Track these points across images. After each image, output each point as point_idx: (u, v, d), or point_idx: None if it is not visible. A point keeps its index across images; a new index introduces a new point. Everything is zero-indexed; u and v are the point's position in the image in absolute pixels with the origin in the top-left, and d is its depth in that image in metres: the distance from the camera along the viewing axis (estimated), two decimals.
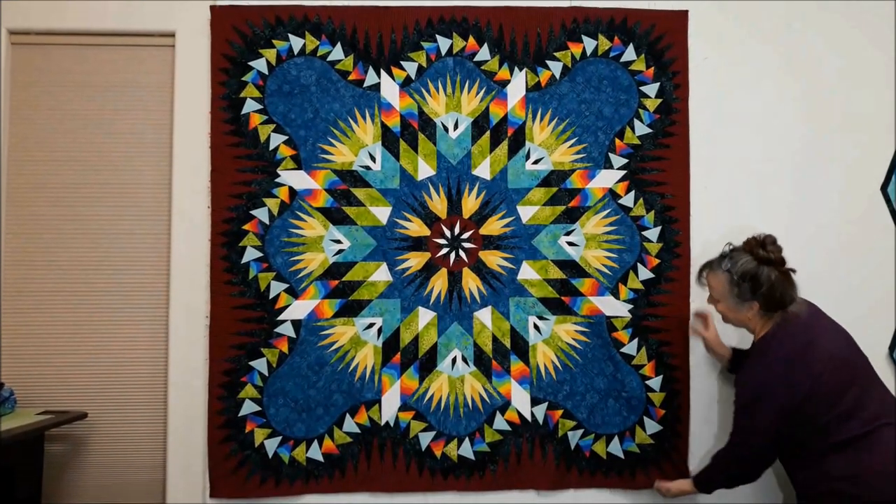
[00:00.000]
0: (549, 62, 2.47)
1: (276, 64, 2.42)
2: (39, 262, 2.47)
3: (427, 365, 2.39)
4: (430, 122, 2.44)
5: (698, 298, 2.41)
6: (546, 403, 2.39)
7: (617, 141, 2.46)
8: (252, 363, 2.35)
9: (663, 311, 2.42)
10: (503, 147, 2.45)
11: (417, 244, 2.42)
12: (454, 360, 2.40)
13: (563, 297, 2.42)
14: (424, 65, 2.45)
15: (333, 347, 2.37)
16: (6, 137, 2.48)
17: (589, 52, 2.48)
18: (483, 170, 2.44)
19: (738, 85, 2.52)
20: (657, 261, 2.44)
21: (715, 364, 2.43)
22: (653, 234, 2.44)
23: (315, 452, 2.34)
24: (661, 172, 2.46)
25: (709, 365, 2.44)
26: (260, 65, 2.42)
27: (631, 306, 2.42)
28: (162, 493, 2.42)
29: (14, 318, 2.46)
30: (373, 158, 2.42)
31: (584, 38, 2.48)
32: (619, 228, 2.44)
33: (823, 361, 1.87)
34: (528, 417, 2.39)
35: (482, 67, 2.46)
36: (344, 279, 2.39)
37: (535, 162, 2.45)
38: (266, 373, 2.35)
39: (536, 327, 2.42)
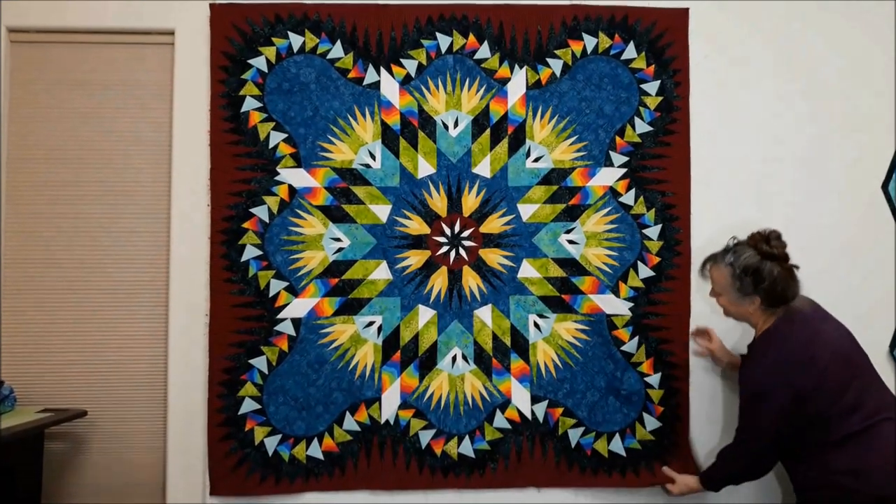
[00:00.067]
0: (549, 60, 2.46)
1: (276, 62, 2.42)
2: (39, 260, 2.47)
3: (427, 363, 2.39)
4: (430, 120, 2.44)
5: (699, 296, 2.42)
6: (546, 401, 2.39)
7: (617, 139, 2.45)
8: (252, 361, 2.35)
9: (664, 309, 2.42)
10: (503, 145, 2.44)
11: (417, 242, 2.42)
12: (454, 359, 2.40)
13: (563, 296, 2.42)
14: (424, 62, 2.45)
15: (333, 345, 2.37)
16: (6, 135, 2.47)
17: (589, 49, 2.47)
18: (483, 168, 2.44)
19: (739, 83, 2.52)
20: (658, 259, 2.44)
21: (713, 363, 2.43)
22: (653, 232, 2.44)
23: (315, 450, 2.34)
24: (661, 170, 2.45)
25: (707, 364, 2.44)
26: (259, 63, 2.41)
27: (631, 304, 2.42)
28: (162, 491, 2.42)
29: (14, 316, 2.46)
30: (373, 156, 2.42)
31: (585, 35, 2.47)
32: (620, 226, 2.44)
33: (827, 356, 1.87)
34: (529, 415, 2.38)
35: (482, 65, 2.46)
36: (344, 277, 2.39)
37: (536, 160, 2.44)
38: (266, 371, 2.35)
39: (537, 325, 2.42)
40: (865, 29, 2.55)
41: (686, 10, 2.50)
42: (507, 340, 2.41)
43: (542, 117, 2.45)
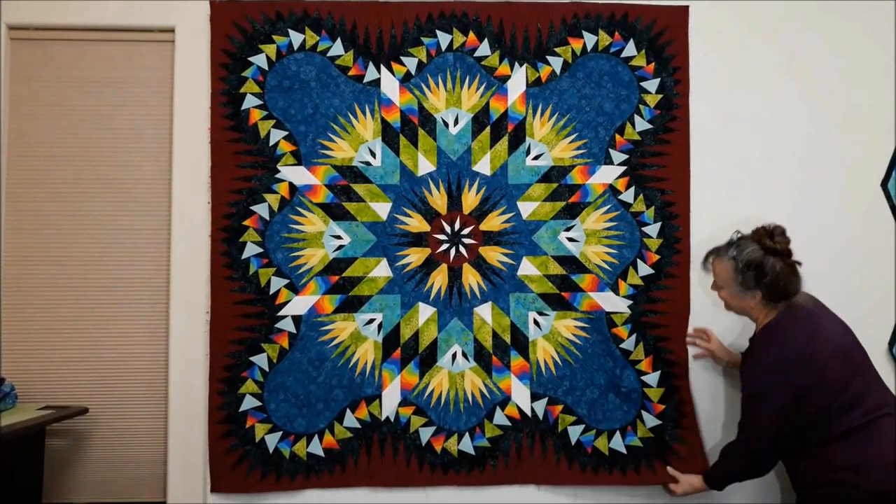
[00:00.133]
0: (549, 58, 2.46)
1: (276, 59, 2.42)
2: (39, 257, 2.47)
3: (427, 360, 2.39)
4: (430, 118, 2.44)
5: (698, 294, 2.42)
6: (546, 399, 2.40)
7: (617, 136, 2.46)
8: (252, 358, 2.35)
9: (663, 306, 2.43)
10: (503, 143, 2.45)
11: (417, 240, 2.42)
12: (454, 356, 2.40)
13: (563, 293, 2.43)
14: (424, 60, 2.45)
15: (334, 343, 2.38)
16: (6, 133, 2.47)
17: (589, 47, 2.47)
18: (483, 165, 2.44)
19: (739, 81, 2.52)
20: (657, 256, 2.44)
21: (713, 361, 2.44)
22: (653, 229, 2.44)
23: (315, 447, 2.34)
24: (661, 168, 2.46)
25: (707, 361, 2.44)
26: (260, 60, 2.41)
27: (630, 302, 2.43)
28: (163, 488, 2.42)
29: (14, 313, 2.46)
30: (373, 154, 2.42)
31: (585, 33, 2.47)
32: (620, 224, 2.44)
33: (828, 353, 1.88)
34: (528, 413, 2.39)
35: (482, 63, 2.46)
36: (344, 275, 2.39)
37: (536, 158, 2.45)
38: (266, 368, 2.35)
39: (536, 323, 2.42)
40: (865, 28, 2.55)
41: (686, 8, 2.50)
42: (507, 338, 2.41)
43: (542, 115, 2.45)
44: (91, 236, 2.48)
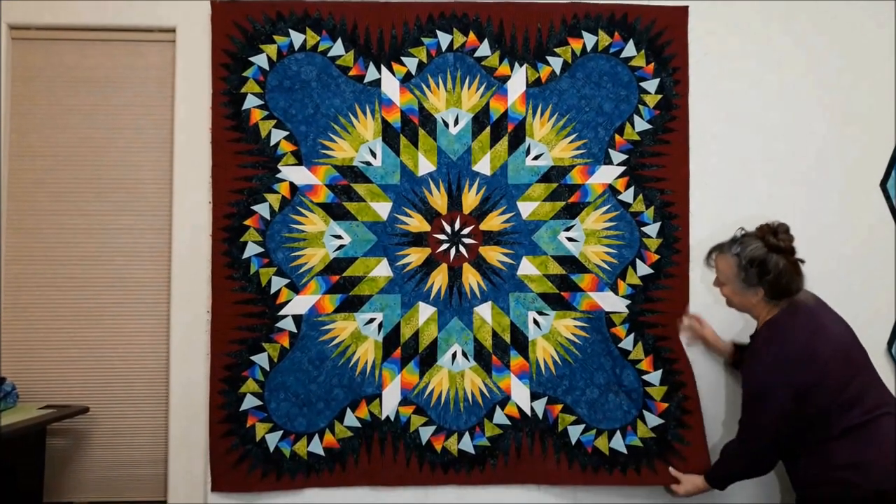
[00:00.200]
0: (549, 58, 2.47)
1: (277, 59, 2.42)
2: (40, 256, 2.48)
3: (427, 360, 2.40)
4: (430, 118, 2.45)
5: (697, 294, 2.43)
6: (546, 398, 2.40)
7: (617, 137, 2.46)
8: (253, 358, 2.36)
9: (662, 306, 2.43)
10: (503, 143, 2.45)
11: (418, 240, 2.43)
12: (454, 355, 2.41)
13: (562, 293, 2.43)
14: (425, 60, 2.46)
15: (334, 342, 2.38)
16: (7, 132, 2.48)
17: (589, 47, 2.48)
18: (483, 165, 2.44)
19: (738, 81, 2.53)
20: (656, 256, 2.44)
21: (714, 358, 2.44)
22: (652, 229, 2.45)
23: (316, 446, 2.35)
24: (660, 168, 2.46)
25: (708, 358, 2.45)
26: (261, 60, 2.42)
27: (628, 302, 2.43)
28: (163, 487, 2.43)
29: (15, 312, 2.46)
30: (373, 154, 2.43)
31: (585, 33, 2.48)
32: (619, 224, 2.45)
33: (829, 351, 1.88)
34: (528, 412, 2.40)
35: (482, 63, 2.47)
36: (345, 274, 2.40)
37: (536, 158, 2.45)
38: (267, 367, 2.36)
39: (536, 322, 2.43)
40: (865, 28, 2.56)
41: (685, 9, 2.51)
42: (507, 337, 2.42)
43: (541, 115, 2.46)
44: (92, 236, 2.49)
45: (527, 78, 2.47)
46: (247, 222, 2.38)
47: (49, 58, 2.51)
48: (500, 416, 2.39)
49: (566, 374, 2.41)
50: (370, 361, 2.39)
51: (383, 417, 2.37)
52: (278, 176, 2.40)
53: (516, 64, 2.47)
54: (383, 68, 2.44)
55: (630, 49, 2.49)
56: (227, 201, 2.38)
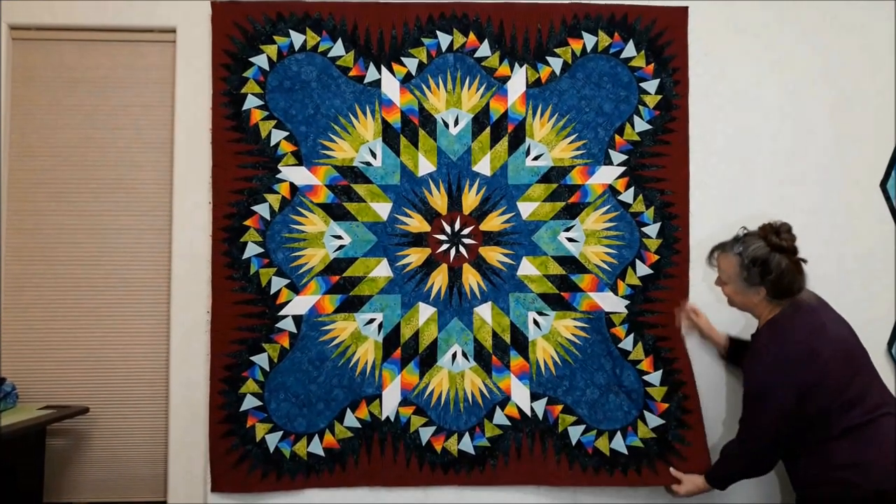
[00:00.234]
0: (549, 58, 2.47)
1: (277, 60, 2.43)
2: (40, 256, 2.48)
3: (427, 360, 2.40)
4: (430, 119, 2.45)
5: (697, 294, 2.43)
6: (546, 399, 2.40)
7: (617, 137, 2.46)
8: (253, 358, 2.36)
9: (661, 306, 2.43)
10: (503, 143, 2.45)
11: (418, 240, 2.43)
12: (454, 356, 2.41)
13: (562, 293, 2.43)
14: (425, 61, 2.46)
15: (334, 343, 2.38)
16: (7, 132, 2.48)
17: (589, 48, 2.48)
18: (483, 166, 2.44)
19: (738, 81, 2.53)
20: (656, 257, 2.44)
21: (715, 357, 2.44)
22: (652, 230, 2.45)
23: (316, 447, 2.35)
24: (660, 168, 2.46)
25: (708, 358, 2.45)
26: (261, 61, 2.42)
27: (628, 302, 2.43)
28: (163, 487, 2.43)
29: (15, 312, 2.46)
30: (373, 154, 2.43)
31: (585, 34, 2.48)
32: (619, 224, 2.45)
33: (829, 351, 1.88)
34: (528, 413, 2.39)
35: (482, 63, 2.47)
36: (345, 275, 2.40)
37: (536, 158, 2.45)
38: (267, 368, 2.36)
39: (536, 323, 2.43)
40: (865, 28, 2.56)
41: (685, 9, 2.51)
42: (507, 338, 2.42)
43: (541, 116, 2.46)
44: (92, 236, 2.49)
45: (527, 78, 2.47)
46: (247, 223, 2.38)
47: (49, 58, 2.51)
48: (500, 417, 2.39)
49: (566, 374, 2.41)
50: (370, 362, 2.39)
51: (383, 418, 2.37)
52: (278, 176, 2.40)
53: (516, 64, 2.47)
54: (383, 69, 2.45)
55: (630, 49, 2.49)
56: (227, 201, 2.38)
